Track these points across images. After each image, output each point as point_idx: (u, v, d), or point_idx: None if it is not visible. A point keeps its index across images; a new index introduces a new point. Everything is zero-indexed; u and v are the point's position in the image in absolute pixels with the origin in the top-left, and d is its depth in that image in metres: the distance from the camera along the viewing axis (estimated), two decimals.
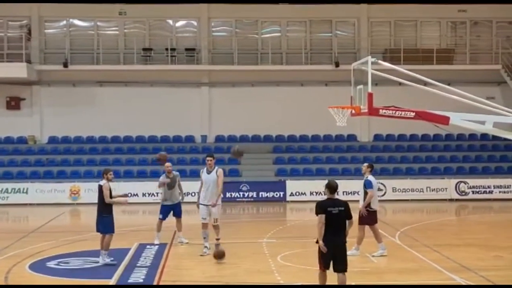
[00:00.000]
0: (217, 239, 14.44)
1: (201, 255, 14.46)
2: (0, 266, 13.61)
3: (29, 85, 30.82)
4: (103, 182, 13.84)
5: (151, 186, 26.56)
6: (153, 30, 32.23)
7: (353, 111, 15.66)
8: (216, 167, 14.58)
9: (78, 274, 13.00)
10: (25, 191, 27.25)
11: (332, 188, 10.55)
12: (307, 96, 31.34)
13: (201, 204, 14.55)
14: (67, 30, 31.83)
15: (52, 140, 31.19)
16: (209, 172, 14.50)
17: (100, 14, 31.62)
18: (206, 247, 14.66)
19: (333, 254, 10.32)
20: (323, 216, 10.26)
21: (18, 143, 30.88)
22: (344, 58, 30.62)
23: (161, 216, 16.31)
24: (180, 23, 32.49)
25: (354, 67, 16.55)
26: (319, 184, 25.69)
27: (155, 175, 28.55)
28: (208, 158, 14.68)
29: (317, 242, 10.40)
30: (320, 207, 10.36)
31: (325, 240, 10.27)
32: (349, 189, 25.86)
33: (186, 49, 31.99)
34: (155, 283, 12.12)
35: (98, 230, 13.91)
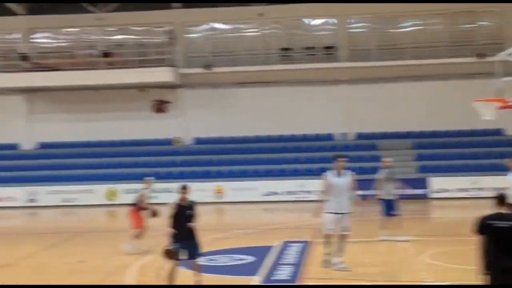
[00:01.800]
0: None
1: (336, 269, 12.76)
2: (154, 262, 14.18)
3: (173, 88, 32.04)
4: None
5: (291, 184, 26.86)
6: (291, 30, 32.50)
7: (501, 104, 14.99)
8: (345, 170, 12.79)
9: (224, 271, 13.31)
10: (172, 190, 28.22)
11: (500, 199, 8.27)
12: (448, 90, 30.39)
13: (330, 212, 12.66)
14: (208, 34, 32.77)
15: (197, 141, 32.24)
16: (339, 175, 12.65)
17: (239, 17, 32.28)
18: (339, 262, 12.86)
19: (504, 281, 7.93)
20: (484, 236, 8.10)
21: (164, 145, 32.18)
22: (487, 49, 29.36)
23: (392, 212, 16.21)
24: (317, 22, 32.53)
25: (500, 58, 15.84)
26: (465, 181, 24.84)
27: (294, 173, 28.88)
28: (340, 159, 12.76)
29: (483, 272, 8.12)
30: (480, 223, 8.15)
31: (491, 265, 8.01)
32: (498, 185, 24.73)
33: (324, 47, 31.97)
34: (299, 280, 12.20)
35: None
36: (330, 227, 12.71)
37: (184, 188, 11.25)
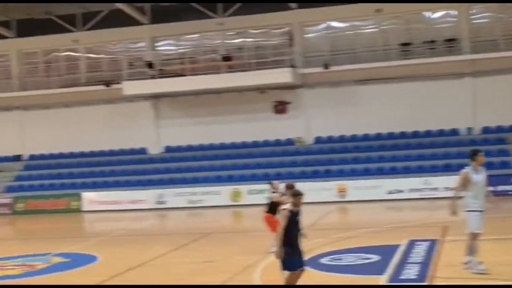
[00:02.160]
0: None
1: (480, 273, 11.91)
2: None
3: (293, 88, 32.20)
4: None
5: (416, 181, 26.36)
6: (411, 24, 31.83)
7: None
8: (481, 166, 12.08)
9: (350, 270, 13.23)
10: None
11: None
12: None
13: (475, 210, 11.91)
14: (326, 33, 32.70)
15: (318, 140, 32.25)
16: (478, 172, 11.95)
17: (356, 14, 31.98)
18: (479, 262, 12.12)
19: None
20: None
21: (286, 145, 32.41)
22: None
23: None
24: (437, 14, 31.67)
25: None
26: None
27: (419, 170, 28.32)
28: (481, 153, 12.00)
29: None
30: None
31: None
32: None
33: (446, 40, 31.09)
34: (428, 280, 11.93)
35: None
36: (478, 226, 11.97)
37: (300, 194, 10.52)
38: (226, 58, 32.46)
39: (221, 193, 29.53)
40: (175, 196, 29.95)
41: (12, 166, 34.71)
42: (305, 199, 10.65)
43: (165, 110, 33.74)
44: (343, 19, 32.49)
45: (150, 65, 32.68)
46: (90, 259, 16.69)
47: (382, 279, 12.10)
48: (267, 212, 15.76)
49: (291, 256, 10.18)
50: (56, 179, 32.82)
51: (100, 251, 17.77)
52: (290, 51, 31.83)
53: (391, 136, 31.30)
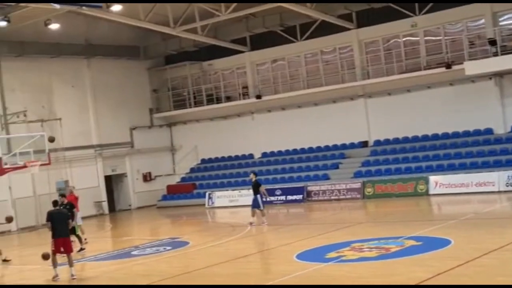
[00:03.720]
0: None
1: None
2: None
3: None
4: None
5: None
6: None
7: None
8: None
9: None
10: None
11: None
12: None
13: None
14: None
15: None
16: None
17: None
18: None
19: None
20: None
21: None
22: None
23: None
24: None
25: None
26: None
27: None
28: None
29: None
30: None
31: None
32: None
33: None
34: None
35: None
36: None
37: None
38: None
39: None
40: None
41: (359, 152, 36.26)
42: None
43: (510, 88, 32.10)
44: None
45: (493, 42, 31.36)
46: (444, 242, 16.70)
47: None
48: None
49: None
50: (402, 163, 33.40)
51: (453, 235, 17.68)
52: None
53: None
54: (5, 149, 30.57)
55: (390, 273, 13.87)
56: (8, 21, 30.47)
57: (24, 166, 28.05)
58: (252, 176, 26.47)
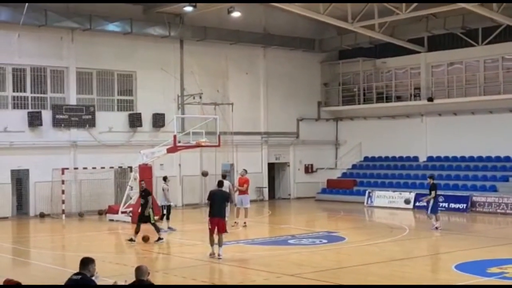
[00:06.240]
0: None
1: None
2: None
3: None
4: None
5: None
6: None
7: None
8: None
9: None
10: None
11: None
12: None
13: None
14: None
15: None
16: None
17: None
18: None
19: None
20: None
21: None
22: None
23: None
24: None
25: None
26: None
27: None
28: None
29: None
30: None
31: None
32: None
33: None
34: None
35: None
36: None
37: None
38: None
39: None
40: None
41: None
42: None
43: None
44: None
45: None
46: None
47: None
48: None
49: None
50: None
51: None
52: None
53: None
54: (179, 128, 32.25)
55: None
56: (195, 6, 31.96)
57: (196, 146, 29.45)
58: (429, 180, 25.79)
